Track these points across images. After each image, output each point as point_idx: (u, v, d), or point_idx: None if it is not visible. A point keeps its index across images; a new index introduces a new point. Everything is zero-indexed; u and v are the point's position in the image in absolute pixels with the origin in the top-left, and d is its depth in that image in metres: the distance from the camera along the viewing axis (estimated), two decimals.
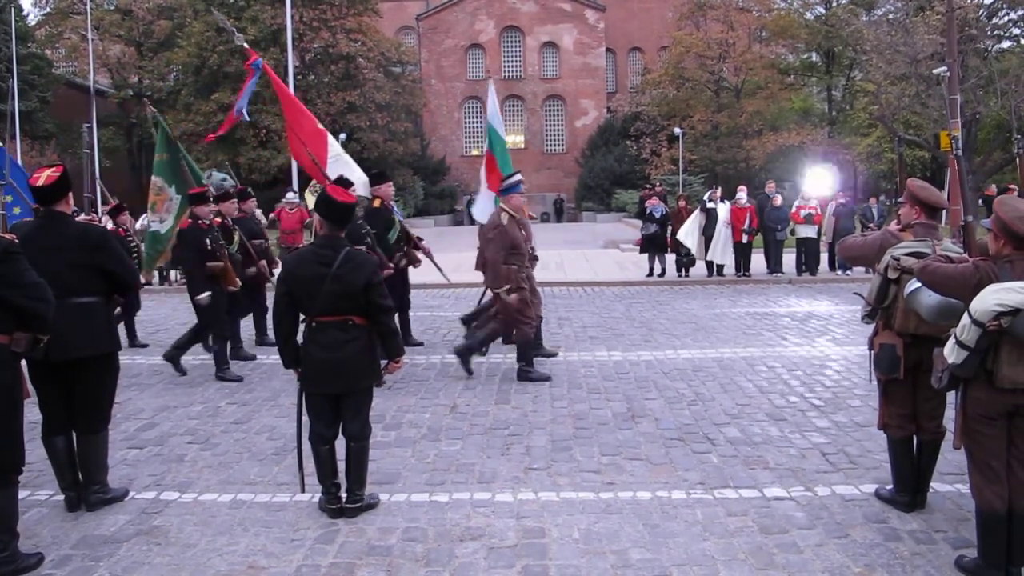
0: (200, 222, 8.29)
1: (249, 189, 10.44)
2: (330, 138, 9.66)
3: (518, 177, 8.44)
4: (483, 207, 9.48)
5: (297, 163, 9.59)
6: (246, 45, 11.32)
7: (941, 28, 24.83)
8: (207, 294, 8.18)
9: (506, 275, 7.89)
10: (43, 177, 4.88)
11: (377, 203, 9.23)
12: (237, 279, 8.59)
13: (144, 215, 17.10)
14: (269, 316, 6.21)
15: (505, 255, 7.87)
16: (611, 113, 48.33)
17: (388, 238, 9.13)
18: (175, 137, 9.74)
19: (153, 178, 9.39)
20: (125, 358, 5.44)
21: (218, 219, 8.60)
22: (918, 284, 4.18)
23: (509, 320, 8.14)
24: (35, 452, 5.37)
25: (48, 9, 44.72)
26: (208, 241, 8.24)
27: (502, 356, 9.27)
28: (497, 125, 9.22)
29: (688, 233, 16.14)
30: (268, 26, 36.37)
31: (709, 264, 16.58)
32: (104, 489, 5.06)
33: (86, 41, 38.39)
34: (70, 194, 4.94)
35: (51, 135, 37.31)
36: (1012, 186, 10.43)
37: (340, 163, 9.37)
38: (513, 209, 8.09)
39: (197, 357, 9.26)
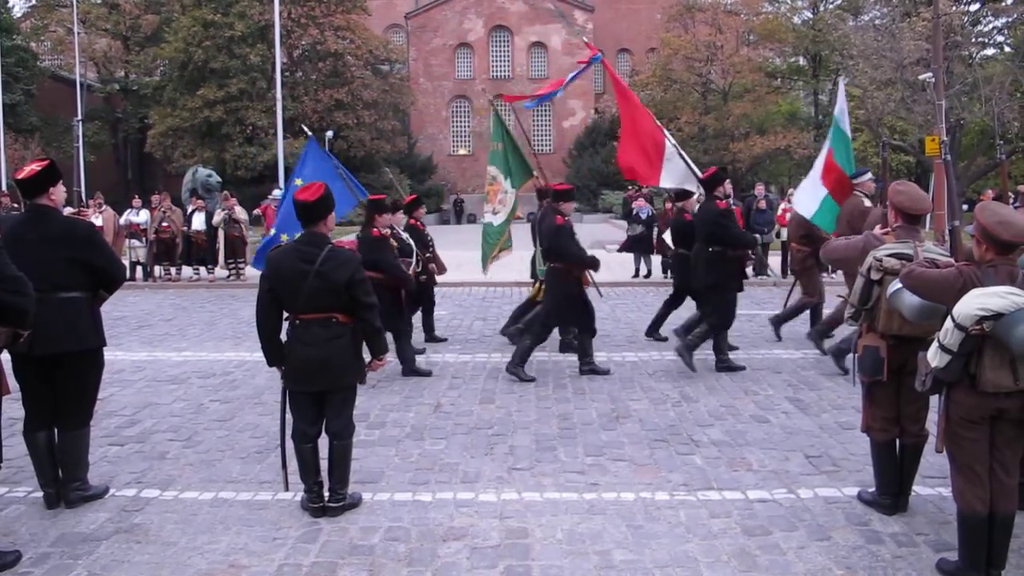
0: (383, 230, 8.29)
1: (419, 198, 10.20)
2: (667, 136, 9.42)
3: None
4: (805, 200, 8.94)
5: (623, 165, 9.30)
6: (585, 39, 11.39)
7: (927, 34, 25.00)
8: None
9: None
10: (26, 170, 4.84)
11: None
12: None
13: (128, 210, 17.10)
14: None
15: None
16: (599, 114, 48.37)
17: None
18: (507, 127, 9.60)
19: (489, 168, 9.29)
20: (109, 354, 5.38)
21: (387, 230, 8.47)
22: (900, 284, 4.20)
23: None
24: (14, 448, 5.32)
25: (34, 2, 44.36)
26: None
27: (487, 355, 9.27)
28: (844, 122, 8.80)
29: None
30: (256, 22, 36.17)
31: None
32: (84, 486, 5.01)
33: (72, 34, 38.11)
34: (55, 188, 4.87)
35: (35, 129, 37.00)
36: (989, 191, 10.55)
37: (674, 162, 9.16)
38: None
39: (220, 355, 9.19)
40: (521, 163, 9.46)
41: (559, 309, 8.27)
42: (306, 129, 10.60)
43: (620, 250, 17.67)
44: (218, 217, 16.69)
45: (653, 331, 10.23)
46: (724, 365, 8.45)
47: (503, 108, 9.91)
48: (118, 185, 41.69)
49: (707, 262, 8.33)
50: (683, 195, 9.62)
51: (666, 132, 9.56)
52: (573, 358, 9.10)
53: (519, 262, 19.13)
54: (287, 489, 5.01)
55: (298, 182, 9.34)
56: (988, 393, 3.76)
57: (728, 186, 9.66)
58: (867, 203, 8.53)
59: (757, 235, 16.74)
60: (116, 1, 41.90)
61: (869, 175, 8.90)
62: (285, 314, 4.80)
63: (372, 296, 4.80)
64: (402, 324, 8.42)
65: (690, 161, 9.47)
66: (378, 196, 8.92)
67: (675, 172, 8.93)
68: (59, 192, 4.92)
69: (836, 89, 10.13)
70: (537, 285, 9.07)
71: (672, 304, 10.12)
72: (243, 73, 36.36)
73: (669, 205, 17.34)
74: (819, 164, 8.72)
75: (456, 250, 17.52)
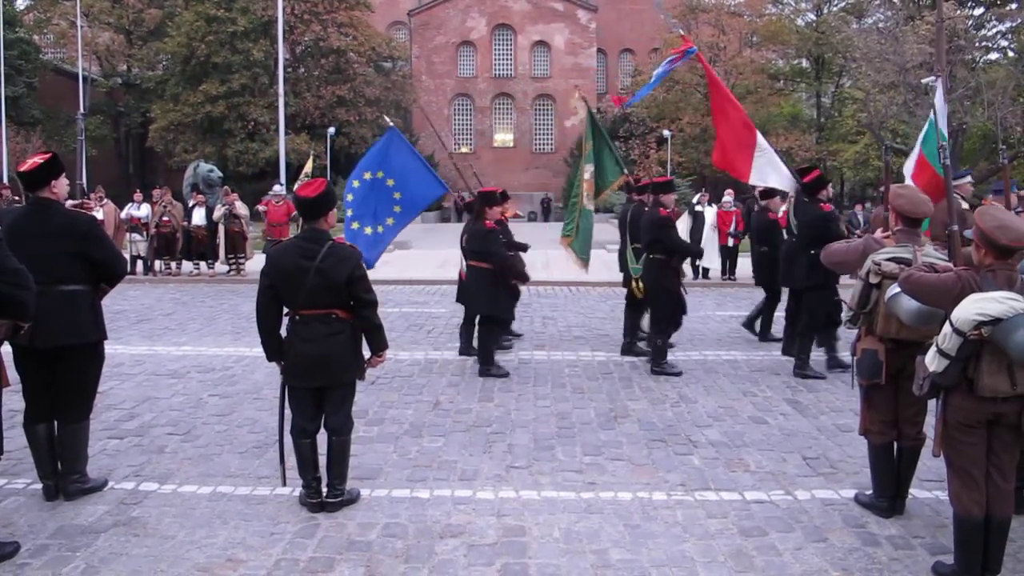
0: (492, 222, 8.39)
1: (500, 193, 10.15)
2: (758, 134, 9.41)
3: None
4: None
5: (717, 163, 9.24)
6: (682, 32, 11.34)
7: (930, 38, 24.99)
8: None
9: None
10: (28, 163, 4.84)
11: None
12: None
13: (129, 204, 17.11)
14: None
15: None
16: (600, 114, 48.36)
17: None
18: (601, 126, 9.58)
19: (584, 166, 9.33)
20: (108, 347, 5.39)
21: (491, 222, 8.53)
22: (898, 288, 4.21)
23: None
24: (14, 440, 5.33)
25: None
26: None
27: (499, 354, 9.28)
28: (941, 122, 8.79)
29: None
30: (259, 18, 36.20)
31: (695, 267, 16.61)
32: (83, 479, 5.02)
33: (75, 28, 38.09)
34: (57, 181, 4.87)
35: (37, 122, 37.01)
36: (990, 196, 10.49)
37: (766, 159, 9.16)
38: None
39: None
40: (612, 161, 9.46)
41: (664, 300, 8.34)
42: (388, 120, 10.55)
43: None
44: (219, 212, 16.71)
45: (764, 334, 10.15)
46: (834, 362, 8.51)
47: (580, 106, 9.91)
48: (119, 179, 41.68)
49: (809, 264, 8.15)
50: (767, 194, 9.68)
51: (756, 130, 9.52)
52: (574, 356, 9.12)
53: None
54: (285, 484, 5.02)
55: (379, 175, 9.25)
56: (985, 398, 3.77)
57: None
58: (965, 205, 8.45)
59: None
60: None
61: (968, 178, 8.81)
62: (285, 310, 4.81)
63: (372, 293, 4.81)
64: (503, 319, 8.53)
65: (782, 161, 9.46)
66: (489, 188, 9.04)
67: (764, 170, 8.91)
68: (61, 185, 4.91)
69: (934, 88, 9.99)
70: (635, 283, 8.99)
71: (771, 305, 10.12)
72: (245, 69, 36.38)
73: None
74: (910, 163, 8.69)
75: (458, 249, 17.51)
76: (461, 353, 9.17)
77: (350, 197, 9.02)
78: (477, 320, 8.76)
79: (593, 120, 9.38)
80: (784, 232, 9.38)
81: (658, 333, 8.43)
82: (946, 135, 8.77)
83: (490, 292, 8.30)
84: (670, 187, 8.61)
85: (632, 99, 11.35)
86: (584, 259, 9.64)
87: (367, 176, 9.15)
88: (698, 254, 8.04)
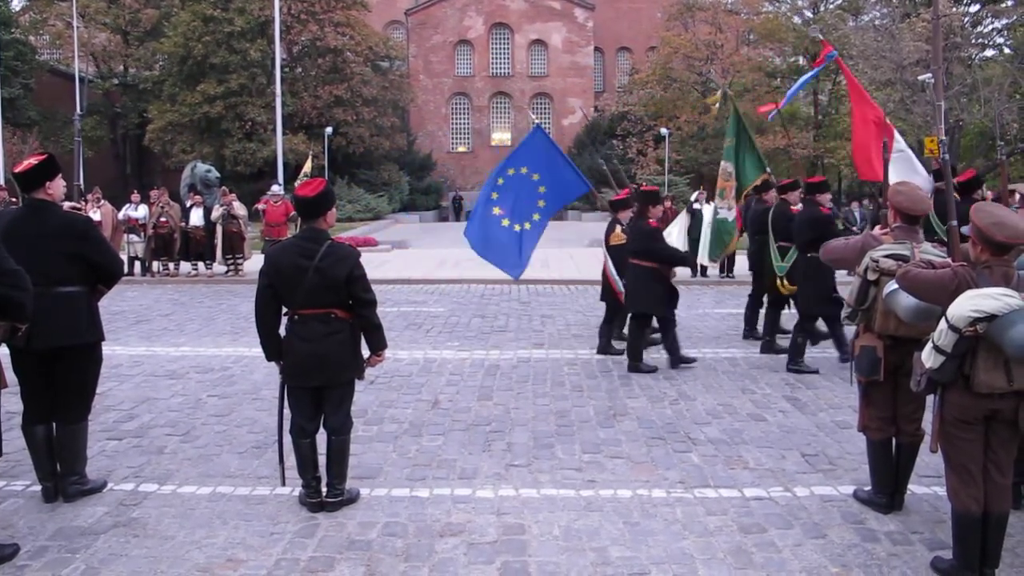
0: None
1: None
2: (896, 134, 9.42)
3: None
4: None
5: (857, 163, 9.21)
6: (820, 37, 11.36)
7: (926, 35, 25.00)
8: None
9: None
10: (24, 164, 4.84)
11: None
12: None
13: (127, 205, 17.09)
14: None
15: None
16: (598, 112, 48.39)
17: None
18: (745, 122, 9.57)
19: (723, 163, 9.32)
20: (107, 348, 5.39)
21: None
22: (896, 285, 4.21)
23: None
24: (12, 442, 5.32)
25: None
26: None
27: (486, 352, 9.29)
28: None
29: (675, 235, 16.14)
30: (256, 17, 36.15)
31: (692, 264, 16.59)
32: (82, 480, 5.02)
33: (71, 28, 38.03)
34: (52, 182, 4.86)
35: (34, 123, 36.94)
36: (988, 193, 10.55)
37: (903, 159, 9.17)
38: None
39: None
40: (754, 160, 9.47)
41: (820, 296, 8.33)
42: (532, 117, 10.68)
43: None
44: (216, 213, 16.69)
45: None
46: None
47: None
48: (116, 180, 41.64)
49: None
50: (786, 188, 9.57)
51: (895, 130, 9.55)
52: (572, 354, 9.13)
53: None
54: (284, 484, 5.02)
55: (523, 170, 9.36)
56: (982, 394, 3.78)
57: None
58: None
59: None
60: None
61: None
62: (284, 309, 4.81)
63: (371, 292, 4.82)
64: (671, 314, 8.55)
65: (915, 159, 9.47)
66: (651, 187, 9.15)
67: (901, 169, 8.93)
68: (56, 186, 4.89)
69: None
70: (780, 281, 8.99)
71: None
72: (243, 69, 36.34)
73: (668, 203, 17.41)
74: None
75: (456, 248, 17.53)
76: (600, 352, 9.20)
77: (495, 195, 9.15)
78: (629, 317, 8.76)
79: (738, 116, 9.36)
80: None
81: (801, 331, 8.46)
82: (943, 131, 8.82)
83: (653, 290, 8.36)
84: (825, 187, 8.69)
85: (779, 107, 11.34)
86: (714, 257, 9.77)
87: (511, 172, 9.32)
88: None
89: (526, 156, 9.32)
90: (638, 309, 8.49)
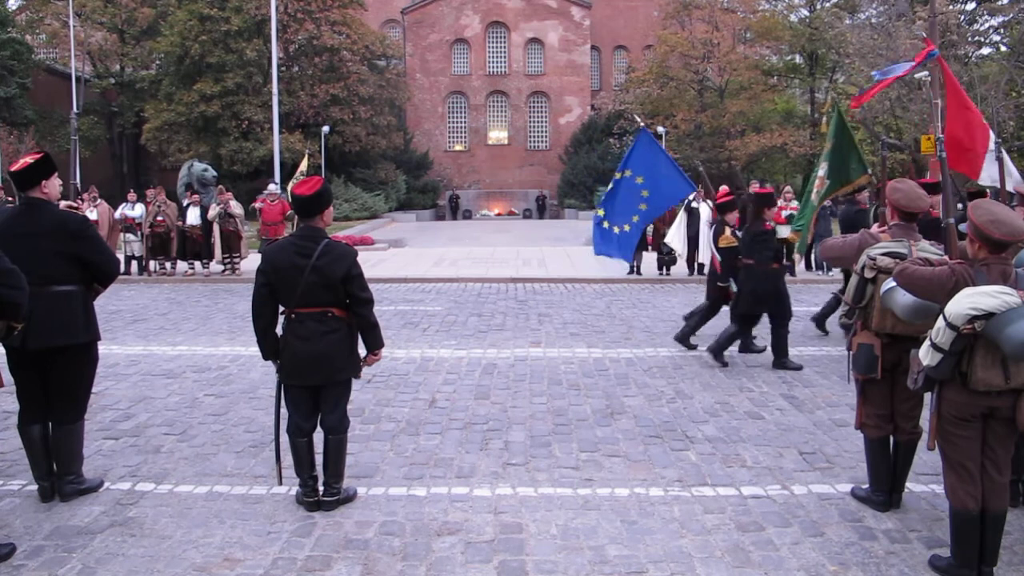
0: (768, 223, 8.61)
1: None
2: (991, 135, 9.43)
3: None
4: None
5: (944, 159, 9.15)
6: (924, 34, 11.33)
7: (923, 34, 25.03)
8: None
9: None
10: (19, 163, 4.83)
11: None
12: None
13: (123, 204, 17.05)
14: None
15: None
16: (595, 111, 48.39)
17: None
18: (848, 126, 9.59)
19: (820, 162, 9.38)
20: (103, 348, 5.38)
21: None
22: (893, 283, 4.21)
23: None
24: (8, 442, 5.32)
25: None
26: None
27: (483, 350, 9.28)
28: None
29: (673, 233, 16.13)
30: (252, 16, 36.07)
31: (691, 262, 16.62)
32: (79, 479, 5.01)
33: (67, 27, 37.94)
34: (48, 181, 4.84)
35: (30, 122, 36.83)
36: (988, 190, 10.59)
37: (993, 158, 9.18)
38: None
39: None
40: (856, 161, 9.48)
41: None
42: (638, 119, 10.75)
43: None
44: (213, 212, 16.67)
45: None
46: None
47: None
48: (113, 179, 41.56)
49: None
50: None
51: (990, 131, 9.56)
52: (570, 353, 9.12)
53: (515, 257, 19.19)
54: (281, 483, 5.02)
55: (627, 173, 9.55)
56: (979, 392, 3.78)
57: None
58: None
59: None
60: None
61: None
62: (281, 308, 4.80)
63: (368, 291, 4.81)
64: (788, 312, 8.64)
65: (1008, 159, 9.47)
66: (766, 190, 9.23)
67: (994, 171, 8.95)
68: (52, 185, 4.88)
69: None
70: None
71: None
72: (239, 68, 36.28)
73: None
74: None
75: (453, 246, 17.54)
76: (678, 339, 9.40)
77: (602, 198, 9.42)
78: (738, 316, 8.79)
79: (841, 119, 9.42)
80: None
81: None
82: (940, 130, 8.88)
83: (766, 290, 8.43)
84: (938, 189, 8.68)
85: (866, 98, 11.38)
86: (801, 253, 9.83)
87: (616, 175, 9.57)
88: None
89: (634, 159, 9.52)
90: (752, 309, 8.54)
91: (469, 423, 6.55)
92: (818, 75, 44.09)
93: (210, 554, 4.24)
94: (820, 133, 37.43)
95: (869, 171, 9.68)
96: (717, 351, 8.59)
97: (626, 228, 9.48)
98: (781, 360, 8.49)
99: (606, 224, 9.48)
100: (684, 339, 9.39)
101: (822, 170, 9.23)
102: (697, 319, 9.45)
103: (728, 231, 9.00)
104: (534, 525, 4.59)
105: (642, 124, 10.26)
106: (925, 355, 3.87)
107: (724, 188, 11.30)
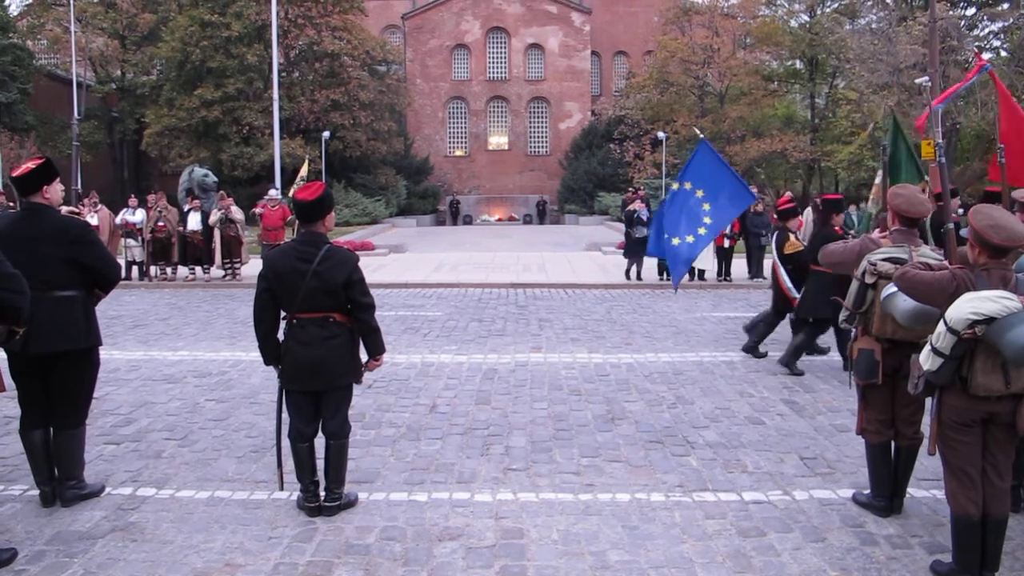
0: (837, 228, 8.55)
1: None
2: None
3: None
4: None
5: (1010, 176, 9.19)
6: (976, 49, 11.59)
7: (923, 38, 25.10)
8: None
9: None
10: (21, 168, 4.84)
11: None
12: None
13: (124, 210, 17.06)
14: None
15: None
16: (595, 116, 48.45)
17: None
18: (905, 135, 9.62)
19: (879, 171, 9.45)
20: (104, 353, 5.38)
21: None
22: (894, 288, 4.22)
23: None
24: (10, 447, 5.32)
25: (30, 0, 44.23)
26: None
27: (483, 355, 9.29)
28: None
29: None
30: (253, 22, 36.14)
31: (691, 268, 16.60)
32: (80, 484, 5.01)
33: (68, 33, 38.00)
34: (49, 186, 4.85)
35: (31, 127, 36.89)
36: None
37: None
38: None
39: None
40: (913, 169, 9.52)
41: None
42: (697, 131, 10.83)
43: (626, 254, 17.60)
44: (214, 217, 16.68)
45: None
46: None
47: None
48: (114, 184, 41.60)
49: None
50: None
51: None
52: (570, 358, 9.12)
53: (515, 263, 19.22)
54: (283, 488, 5.02)
55: (687, 185, 9.59)
56: (980, 397, 3.78)
57: None
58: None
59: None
60: (113, 0, 41.81)
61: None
62: (283, 313, 4.80)
63: (369, 296, 4.81)
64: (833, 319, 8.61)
65: None
66: (834, 196, 9.21)
67: None
68: (54, 190, 4.89)
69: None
70: None
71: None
72: (240, 73, 36.34)
73: None
74: None
75: (453, 252, 17.55)
76: (745, 350, 9.41)
77: (660, 209, 9.59)
78: (801, 321, 8.82)
79: (897, 128, 9.47)
80: None
81: None
82: (940, 135, 8.92)
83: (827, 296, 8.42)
84: (996, 197, 8.71)
85: (929, 120, 11.56)
86: None
87: (674, 186, 9.60)
88: None
89: (693, 172, 9.56)
90: (818, 315, 8.50)
91: (470, 428, 6.55)
92: (818, 80, 44.15)
93: (211, 559, 4.23)
94: (834, 138, 37.58)
95: (927, 178, 9.74)
96: (789, 362, 8.55)
97: (689, 239, 9.52)
98: (792, 360, 8.47)
99: (665, 235, 9.54)
100: (752, 349, 9.35)
101: (879, 178, 9.27)
102: (763, 327, 9.41)
103: (792, 237, 9.02)
104: (535, 530, 4.58)
105: (702, 135, 10.26)
106: (925, 360, 3.87)
107: (787, 195, 11.30)
